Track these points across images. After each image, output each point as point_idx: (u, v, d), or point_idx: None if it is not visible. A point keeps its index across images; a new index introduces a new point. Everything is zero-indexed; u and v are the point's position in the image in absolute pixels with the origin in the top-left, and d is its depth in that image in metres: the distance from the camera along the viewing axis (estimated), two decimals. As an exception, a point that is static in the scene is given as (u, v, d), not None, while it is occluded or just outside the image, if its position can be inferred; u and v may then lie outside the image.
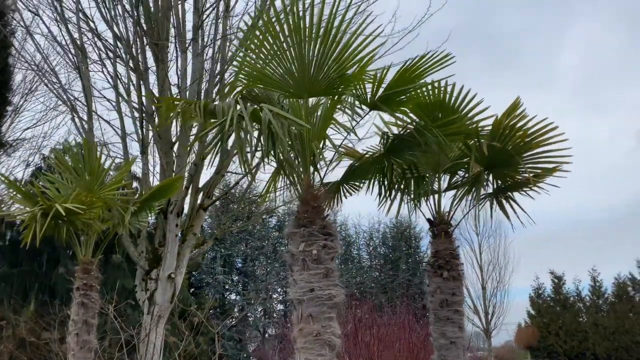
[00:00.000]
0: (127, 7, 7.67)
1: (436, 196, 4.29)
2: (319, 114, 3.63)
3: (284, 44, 3.20)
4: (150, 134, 7.77)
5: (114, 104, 7.88)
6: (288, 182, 3.52)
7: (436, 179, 4.32)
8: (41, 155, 13.62)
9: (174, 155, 7.56)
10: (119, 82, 7.82)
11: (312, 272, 3.09)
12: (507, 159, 4.03)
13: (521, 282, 32.49)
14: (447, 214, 4.26)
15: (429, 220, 4.25)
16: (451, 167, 4.34)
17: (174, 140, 7.59)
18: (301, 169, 3.40)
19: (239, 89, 3.56)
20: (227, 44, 7.65)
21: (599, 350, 26.91)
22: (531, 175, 4.10)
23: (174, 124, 7.31)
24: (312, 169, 3.38)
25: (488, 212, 4.57)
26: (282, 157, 3.37)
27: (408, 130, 3.80)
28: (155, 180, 7.79)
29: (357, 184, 4.46)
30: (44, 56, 8.60)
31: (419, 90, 3.66)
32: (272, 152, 3.24)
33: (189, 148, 7.52)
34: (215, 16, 7.78)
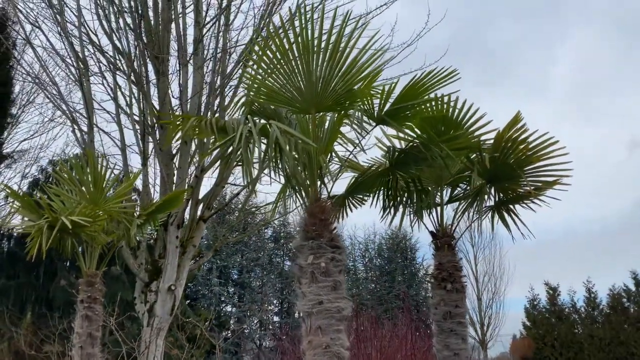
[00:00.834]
0: (129, 20, 7.74)
1: (439, 209, 4.35)
2: (326, 127, 3.69)
3: (292, 62, 3.27)
4: (151, 146, 7.80)
5: (113, 115, 7.89)
6: (295, 196, 3.56)
7: (438, 192, 4.38)
8: (39, 166, 13.57)
9: (175, 167, 7.59)
10: (119, 94, 7.87)
11: (321, 285, 3.13)
12: (508, 172, 4.10)
13: (516, 293, 32.50)
14: (449, 226, 4.31)
15: (432, 232, 4.30)
16: (453, 180, 4.40)
17: (174, 152, 7.62)
18: (308, 182, 3.45)
19: (243, 100, 3.62)
20: (227, 57, 7.73)
21: (595, 362, 26.88)
22: (532, 188, 4.17)
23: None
24: (319, 182, 3.43)
25: (489, 224, 4.64)
26: (288, 172, 3.42)
27: (415, 145, 3.86)
28: (155, 192, 7.81)
29: (361, 196, 4.51)
30: (44, 67, 8.62)
31: (423, 105, 3.73)
32: (279, 167, 3.29)
33: (189, 160, 7.56)
34: (216, 30, 7.87)
